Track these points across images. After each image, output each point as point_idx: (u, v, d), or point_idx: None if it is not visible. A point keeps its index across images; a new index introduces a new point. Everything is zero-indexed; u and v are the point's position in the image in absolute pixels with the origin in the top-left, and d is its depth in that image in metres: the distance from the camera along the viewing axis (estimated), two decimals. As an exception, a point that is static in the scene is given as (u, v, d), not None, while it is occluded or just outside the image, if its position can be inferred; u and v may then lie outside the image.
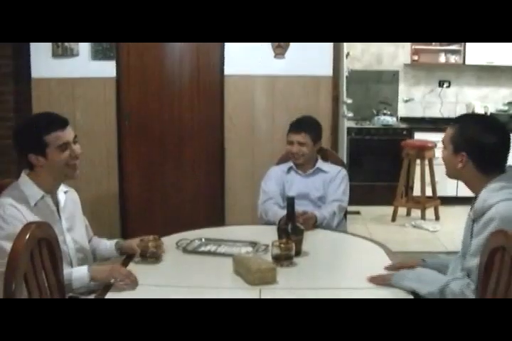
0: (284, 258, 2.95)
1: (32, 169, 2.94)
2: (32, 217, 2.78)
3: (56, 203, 3.01)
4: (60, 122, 2.94)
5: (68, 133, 2.94)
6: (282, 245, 2.97)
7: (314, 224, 3.72)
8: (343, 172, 4.20)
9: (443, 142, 2.78)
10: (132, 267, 2.94)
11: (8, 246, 2.41)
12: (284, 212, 3.69)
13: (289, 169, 4.24)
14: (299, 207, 3.65)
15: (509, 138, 2.66)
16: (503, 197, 2.49)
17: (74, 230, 3.06)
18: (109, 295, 2.59)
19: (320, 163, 4.23)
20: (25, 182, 2.91)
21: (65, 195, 3.10)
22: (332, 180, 4.12)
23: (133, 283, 2.71)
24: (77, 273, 2.82)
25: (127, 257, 3.10)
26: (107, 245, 3.26)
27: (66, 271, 2.76)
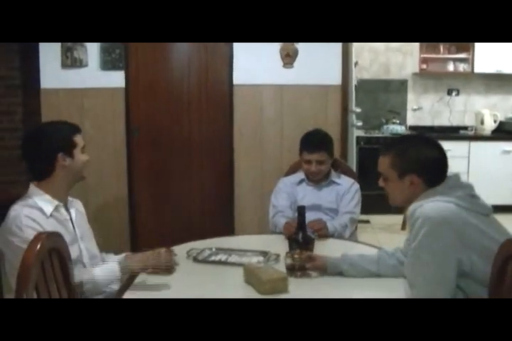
0: (298, 269, 2.93)
1: (47, 176, 2.96)
2: (49, 228, 2.79)
3: (68, 212, 3.03)
4: (78, 127, 3.10)
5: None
6: (296, 256, 2.95)
7: (327, 234, 3.72)
8: (356, 185, 4.19)
9: (382, 174, 2.80)
10: (143, 277, 2.93)
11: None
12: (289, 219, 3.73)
13: (301, 181, 4.23)
14: (312, 217, 3.64)
15: (443, 149, 2.74)
16: (429, 201, 2.57)
17: (85, 239, 3.07)
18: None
19: (333, 175, 4.22)
20: (37, 194, 2.92)
21: (72, 204, 3.11)
22: (345, 193, 4.12)
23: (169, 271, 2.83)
24: (107, 269, 2.85)
25: (130, 277, 3.04)
26: (116, 259, 3.25)
27: (91, 272, 2.82)
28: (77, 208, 3.14)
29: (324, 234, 3.64)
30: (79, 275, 2.73)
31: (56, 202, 2.94)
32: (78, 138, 3.02)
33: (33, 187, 2.95)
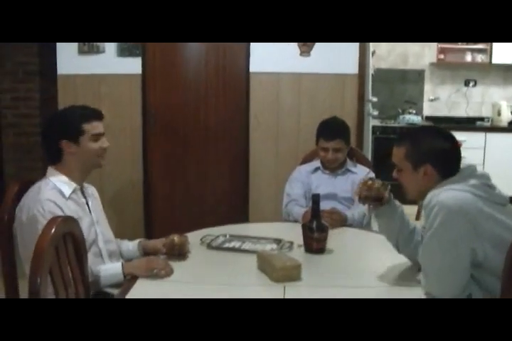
0: (372, 200, 2.86)
1: (59, 161, 2.98)
2: (69, 210, 2.83)
3: (84, 196, 3.05)
4: (98, 113, 3.08)
5: (102, 126, 3.07)
6: (375, 185, 2.83)
7: (343, 223, 3.74)
8: (372, 174, 4.16)
9: (396, 165, 2.79)
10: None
11: None
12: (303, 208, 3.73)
13: (316, 169, 4.22)
14: (327, 206, 3.64)
15: (457, 141, 2.75)
16: (444, 189, 2.56)
17: (100, 223, 3.08)
18: (134, 290, 2.61)
19: (349, 164, 4.21)
20: (56, 176, 2.94)
21: (88, 189, 3.15)
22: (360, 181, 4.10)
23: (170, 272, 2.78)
24: (111, 271, 2.86)
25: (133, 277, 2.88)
26: (129, 246, 3.27)
27: (96, 268, 2.84)
28: (92, 193, 3.16)
29: (336, 226, 3.61)
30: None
31: (74, 185, 2.96)
32: (90, 126, 2.99)
33: (51, 170, 2.98)
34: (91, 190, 3.19)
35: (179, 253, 3.01)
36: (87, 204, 3.06)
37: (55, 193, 2.86)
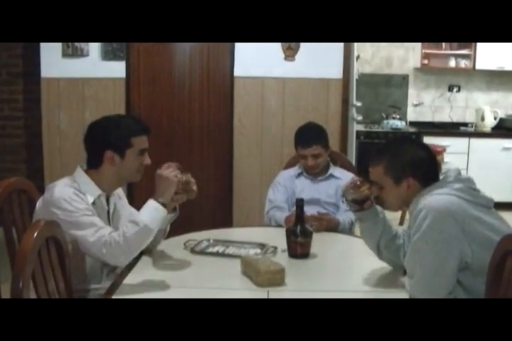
0: (360, 202, 2.88)
1: (96, 168, 2.92)
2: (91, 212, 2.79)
3: (108, 204, 3.01)
4: (147, 128, 3.02)
5: (147, 141, 3.01)
6: (362, 188, 2.84)
7: (333, 227, 3.76)
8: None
9: (376, 182, 2.80)
10: (140, 268, 2.93)
11: (89, 219, 2.68)
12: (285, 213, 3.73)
13: (300, 174, 4.21)
14: (310, 211, 3.63)
15: (429, 148, 2.81)
16: (430, 194, 2.60)
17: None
18: (118, 294, 2.59)
19: (332, 169, 4.20)
20: (83, 179, 2.89)
21: (114, 197, 3.09)
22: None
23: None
24: (149, 208, 2.88)
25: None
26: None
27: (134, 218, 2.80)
28: (117, 196, 3.12)
29: (321, 230, 3.62)
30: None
31: (99, 192, 2.91)
32: (138, 140, 2.94)
33: (79, 172, 2.92)
34: (117, 191, 3.13)
35: (183, 191, 3.06)
36: (108, 212, 3.01)
37: (81, 195, 2.81)
